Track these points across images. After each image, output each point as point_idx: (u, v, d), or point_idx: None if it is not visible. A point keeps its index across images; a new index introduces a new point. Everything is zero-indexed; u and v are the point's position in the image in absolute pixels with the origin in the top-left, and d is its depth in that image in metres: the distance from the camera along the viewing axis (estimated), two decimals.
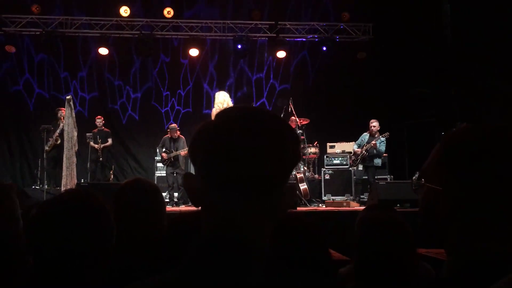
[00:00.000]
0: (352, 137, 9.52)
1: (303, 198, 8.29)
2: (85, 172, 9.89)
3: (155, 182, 8.52)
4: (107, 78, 11.64)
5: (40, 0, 10.72)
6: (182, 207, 8.32)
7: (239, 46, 10.94)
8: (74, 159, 8.38)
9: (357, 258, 1.71)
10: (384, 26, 10.84)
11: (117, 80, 11.69)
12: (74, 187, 7.67)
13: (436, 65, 9.25)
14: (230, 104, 7.93)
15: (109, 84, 11.65)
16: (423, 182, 1.00)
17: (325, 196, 9.41)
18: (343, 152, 9.92)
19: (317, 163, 10.20)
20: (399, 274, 1.62)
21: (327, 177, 9.59)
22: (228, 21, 11.10)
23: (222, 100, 7.84)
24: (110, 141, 10.15)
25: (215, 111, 7.72)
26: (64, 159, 8.16)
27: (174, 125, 9.41)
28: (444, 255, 0.99)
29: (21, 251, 1.43)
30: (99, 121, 10.12)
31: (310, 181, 9.22)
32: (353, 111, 10.85)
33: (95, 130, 10.05)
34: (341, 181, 9.55)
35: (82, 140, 9.66)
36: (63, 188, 8.03)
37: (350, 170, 9.48)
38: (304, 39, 11.54)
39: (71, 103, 8.14)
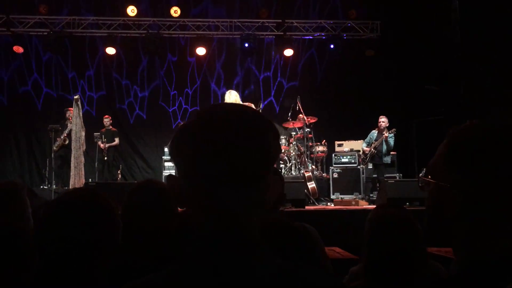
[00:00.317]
0: (360, 135, 9.48)
1: (311, 197, 8.25)
2: (93, 172, 9.93)
3: (163, 181, 8.53)
4: (115, 78, 11.68)
5: (48, 1, 10.77)
6: None
7: (246, 45, 10.92)
8: (82, 159, 8.42)
9: (366, 256, 1.71)
10: (391, 23, 10.78)
11: (124, 79, 11.73)
12: (82, 186, 7.71)
13: (445, 63, 9.18)
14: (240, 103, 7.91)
15: (116, 83, 11.69)
16: (429, 179, 0.99)
17: (333, 194, 9.37)
18: (351, 150, 9.88)
19: (325, 162, 10.17)
20: (408, 272, 1.62)
21: (336, 175, 9.55)
22: (235, 20, 11.08)
23: (234, 100, 7.82)
24: (117, 140, 10.20)
25: None
26: (72, 158, 8.20)
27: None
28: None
29: (31, 250, 1.44)
30: (107, 120, 10.20)
31: (318, 180, 9.19)
32: (361, 109, 10.80)
33: (103, 130, 10.12)
34: (349, 180, 9.51)
35: (90, 140, 9.71)
36: (71, 188, 8.06)
37: (359, 169, 9.44)
38: (311, 37, 11.51)
39: (79, 103, 8.18)
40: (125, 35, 11.02)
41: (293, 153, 9.15)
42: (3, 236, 1.71)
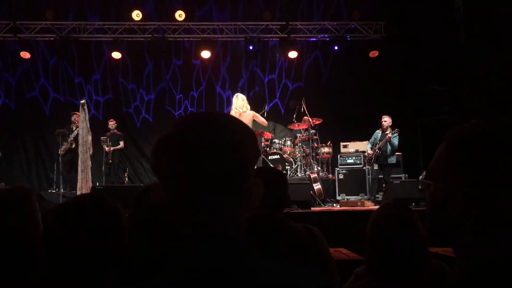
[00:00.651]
0: (366, 136, 9.48)
1: (317, 198, 8.26)
2: (100, 176, 9.99)
3: None
4: (121, 82, 11.76)
5: (54, 6, 10.85)
6: None
7: (251, 47, 10.95)
8: (89, 163, 8.46)
9: (368, 256, 1.72)
10: (395, 24, 10.77)
11: (130, 84, 11.81)
12: (89, 190, 7.76)
13: (450, 62, 9.16)
14: (248, 107, 7.94)
15: (122, 88, 11.77)
16: (429, 181, 0.98)
17: (339, 196, 9.37)
18: (357, 151, 9.88)
19: (331, 163, 10.17)
20: (410, 272, 1.62)
21: (341, 176, 9.55)
22: (239, 23, 11.12)
23: (241, 104, 7.85)
24: (121, 144, 10.28)
25: (234, 114, 7.72)
26: (79, 162, 8.26)
27: None
28: None
29: (40, 254, 1.47)
30: (112, 124, 10.29)
31: (324, 181, 9.19)
32: (366, 110, 10.80)
33: (108, 134, 10.19)
34: (355, 181, 9.50)
35: (97, 144, 9.79)
36: (78, 192, 8.11)
37: (364, 170, 9.43)
38: (315, 39, 11.52)
39: (85, 107, 8.23)
40: (131, 39, 11.09)
41: (299, 154, 9.17)
42: (13, 240, 1.75)
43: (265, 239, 1.26)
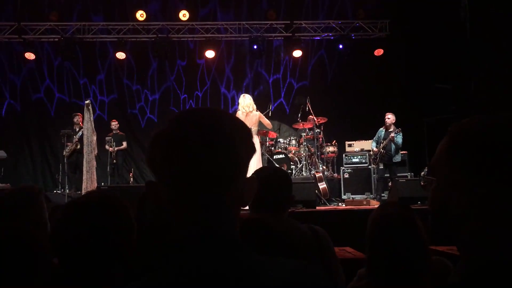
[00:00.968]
0: (371, 135, 9.44)
1: (322, 197, 8.24)
2: (106, 176, 10.02)
3: None
4: (126, 84, 11.79)
5: (58, 7, 10.88)
6: None
7: (255, 47, 10.94)
8: (94, 163, 8.48)
9: (368, 255, 1.71)
10: (400, 22, 10.74)
11: (135, 84, 11.84)
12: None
13: (455, 60, 9.12)
14: (255, 108, 7.96)
15: (127, 89, 11.81)
16: (431, 177, 0.96)
17: (344, 195, 9.36)
18: (362, 150, 9.86)
19: (336, 162, 10.16)
20: (410, 271, 1.60)
21: (346, 175, 9.54)
22: (244, 22, 11.12)
23: (249, 104, 7.85)
24: (124, 144, 10.32)
25: (241, 114, 7.74)
26: (84, 163, 8.28)
27: None
28: None
29: (47, 254, 1.47)
30: (114, 124, 10.32)
31: (329, 180, 9.18)
32: (372, 109, 10.77)
33: (111, 134, 10.22)
34: (360, 180, 9.49)
35: (102, 144, 9.82)
36: (83, 192, 8.13)
37: (370, 168, 9.41)
38: (319, 38, 11.50)
39: (90, 107, 8.24)
40: (135, 39, 11.11)
41: (304, 154, 9.16)
42: (21, 240, 1.75)
43: (261, 242, 1.25)
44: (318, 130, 9.47)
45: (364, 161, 9.62)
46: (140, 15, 10.84)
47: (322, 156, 9.62)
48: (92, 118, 8.36)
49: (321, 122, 9.53)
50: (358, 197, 9.12)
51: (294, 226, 2.06)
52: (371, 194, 9.15)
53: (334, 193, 9.29)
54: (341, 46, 11.12)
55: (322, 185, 8.43)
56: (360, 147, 9.95)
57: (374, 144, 8.89)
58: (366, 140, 9.90)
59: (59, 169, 9.99)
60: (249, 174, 0.90)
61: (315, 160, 9.25)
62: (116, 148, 10.14)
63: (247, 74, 11.96)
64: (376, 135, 8.87)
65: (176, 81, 11.88)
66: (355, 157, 9.79)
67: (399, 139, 8.44)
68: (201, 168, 0.81)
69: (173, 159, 0.82)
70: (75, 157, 9.42)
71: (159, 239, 1.87)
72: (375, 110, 10.39)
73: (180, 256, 0.82)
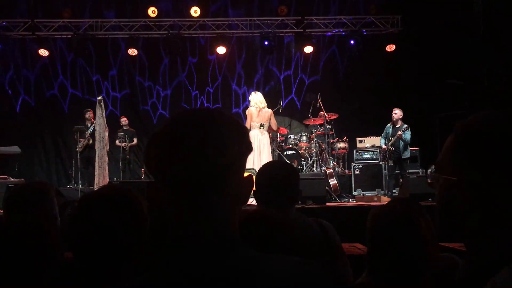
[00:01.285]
0: (382, 131, 9.41)
1: (333, 194, 8.24)
2: (118, 171, 10.11)
3: None
4: (138, 81, 11.87)
5: (71, 4, 10.98)
6: None
7: (266, 43, 10.93)
8: (106, 159, 8.56)
9: (368, 252, 1.71)
10: (413, 17, 10.63)
11: (147, 80, 11.91)
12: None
13: (468, 56, 9.02)
14: (265, 105, 8.02)
15: (139, 85, 11.89)
16: (438, 174, 0.95)
17: (355, 191, 9.34)
18: (373, 146, 9.81)
19: (347, 158, 10.13)
20: (409, 270, 1.59)
21: (357, 172, 9.51)
22: (255, 18, 11.10)
23: (261, 100, 7.92)
24: (135, 140, 10.42)
25: (254, 110, 7.80)
26: (96, 158, 8.36)
27: None
28: None
29: (56, 248, 1.49)
30: (123, 120, 10.42)
31: (340, 177, 9.16)
32: (383, 105, 10.70)
33: (120, 130, 10.31)
34: (371, 176, 9.45)
35: (114, 140, 9.92)
36: (96, 188, 8.21)
37: (381, 165, 9.36)
38: (330, 33, 11.44)
39: (102, 103, 8.32)
40: (147, 36, 11.17)
41: (314, 150, 9.15)
42: (31, 235, 1.79)
43: (266, 236, 1.26)
44: (329, 126, 9.45)
45: (375, 157, 9.57)
46: (152, 11, 10.88)
47: (333, 152, 9.60)
48: (104, 114, 8.43)
49: (332, 118, 9.50)
50: (369, 193, 9.10)
51: (300, 220, 2.07)
52: (382, 190, 9.11)
53: (345, 189, 9.27)
54: (352, 42, 11.06)
55: (333, 181, 8.43)
56: (371, 143, 9.90)
57: (382, 141, 8.84)
58: (377, 136, 9.83)
59: (72, 165, 10.11)
60: None
61: (326, 156, 9.23)
62: (129, 144, 10.25)
63: (258, 70, 11.96)
64: (384, 132, 8.82)
65: (188, 77, 11.92)
66: (366, 153, 9.75)
67: (407, 135, 8.38)
68: (193, 168, 0.81)
69: (166, 159, 0.83)
70: (88, 152, 9.52)
71: (159, 238, 1.89)
72: (386, 106, 10.33)
73: (177, 256, 0.83)
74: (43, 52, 10.92)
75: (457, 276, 0.94)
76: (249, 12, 11.40)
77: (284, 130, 9.82)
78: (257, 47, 11.54)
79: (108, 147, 8.62)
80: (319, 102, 9.26)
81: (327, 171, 8.50)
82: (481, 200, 0.86)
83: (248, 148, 0.90)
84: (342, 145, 9.76)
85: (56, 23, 10.82)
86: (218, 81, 11.93)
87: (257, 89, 9.74)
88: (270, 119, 7.98)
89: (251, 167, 7.05)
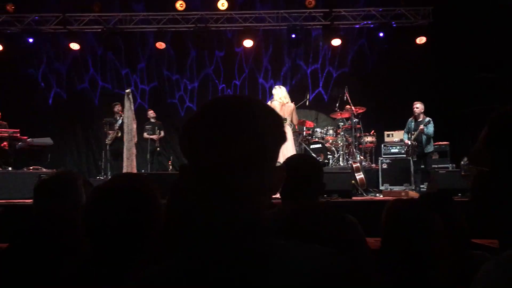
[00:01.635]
0: None
1: (359, 188, 8.16)
2: (145, 163, 10.27)
3: None
4: (166, 74, 12.00)
5: None
6: None
7: (293, 36, 10.87)
8: (134, 150, 8.69)
9: (381, 246, 1.69)
10: (444, 9, 10.36)
11: (174, 74, 12.03)
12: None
13: (501, 49, 8.76)
14: (289, 100, 8.04)
15: (167, 79, 12.02)
16: (472, 166, 0.94)
17: (382, 186, 9.21)
18: (401, 140, 9.65)
19: (374, 152, 10.00)
20: (422, 265, 1.56)
21: (385, 166, 9.38)
22: (282, 11, 11.04)
23: (285, 94, 7.96)
24: (163, 133, 10.60)
25: (277, 104, 7.82)
26: (125, 150, 8.49)
27: None
28: None
29: (80, 236, 1.52)
30: (151, 113, 10.58)
31: (367, 171, 9.05)
32: (412, 99, 10.49)
33: (148, 123, 10.48)
34: (399, 171, 9.30)
35: (142, 132, 10.08)
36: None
37: (409, 159, 9.20)
38: (358, 26, 11.27)
39: (130, 96, 8.43)
40: (174, 29, 11.25)
41: (341, 143, 9.07)
42: (59, 223, 1.84)
43: (289, 229, 1.26)
44: (356, 120, 9.34)
45: (403, 151, 9.41)
46: (180, 5, 10.96)
47: (360, 146, 9.49)
48: (132, 107, 8.55)
49: (359, 111, 9.39)
50: (396, 188, 8.96)
51: (323, 214, 2.06)
52: (410, 185, 8.96)
53: (372, 184, 9.15)
54: (381, 34, 10.87)
55: (360, 176, 8.33)
56: (399, 137, 9.72)
57: (405, 136, 8.63)
58: None
59: (102, 156, 10.32)
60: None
61: (353, 150, 9.14)
62: (157, 137, 10.44)
63: (285, 63, 11.91)
64: (406, 126, 8.62)
65: (214, 70, 11.98)
66: (394, 148, 9.60)
67: (430, 129, 8.15)
68: (227, 153, 0.81)
69: (202, 142, 0.83)
70: (117, 144, 9.70)
71: (189, 225, 1.91)
72: (415, 100, 10.14)
73: (205, 242, 0.83)
74: (74, 46, 11.15)
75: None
76: (276, 4, 11.34)
77: (310, 124, 9.76)
78: (284, 40, 11.48)
79: (136, 139, 8.76)
80: (347, 96, 9.15)
81: (354, 165, 8.42)
82: None
83: (283, 138, 0.89)
84: (369, 139, 9.64)
85: (86, 17, 11.02)
86: (245, 74, 11.95)
87: (284, 83, 9.73)
88: (292, 114, 7.99)
89: None
